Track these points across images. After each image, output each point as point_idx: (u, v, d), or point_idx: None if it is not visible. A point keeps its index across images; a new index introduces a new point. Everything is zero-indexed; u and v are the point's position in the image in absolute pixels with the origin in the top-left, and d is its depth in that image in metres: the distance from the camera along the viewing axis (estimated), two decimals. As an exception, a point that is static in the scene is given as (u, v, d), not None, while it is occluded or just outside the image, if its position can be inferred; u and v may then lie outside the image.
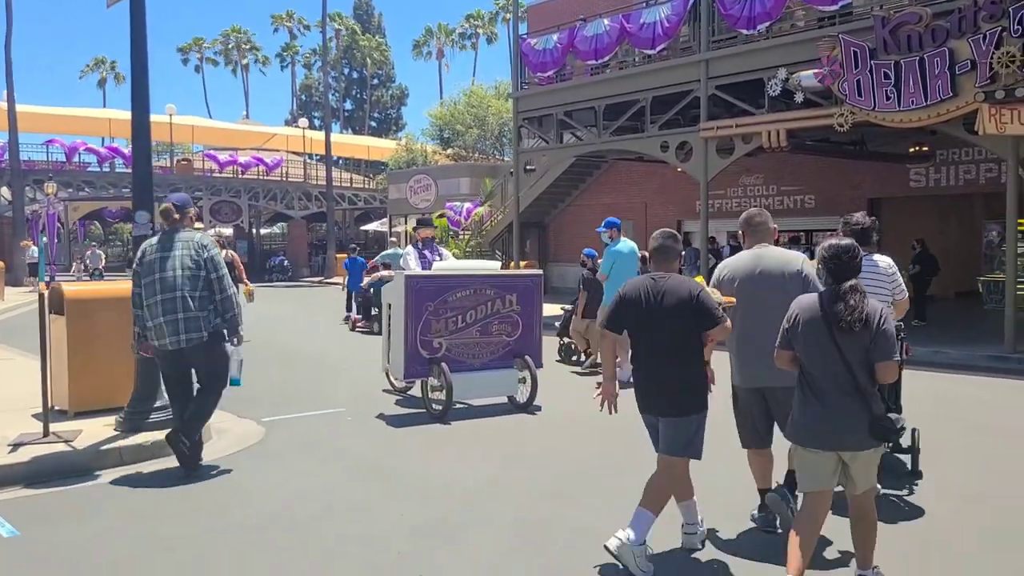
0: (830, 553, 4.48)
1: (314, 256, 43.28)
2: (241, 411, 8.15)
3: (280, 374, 10.60)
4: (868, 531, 3.96)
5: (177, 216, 6.17)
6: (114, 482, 5.78)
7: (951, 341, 12.99)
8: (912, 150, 17.29)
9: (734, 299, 4.71)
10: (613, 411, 4.62)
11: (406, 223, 32.61)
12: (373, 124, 72.40)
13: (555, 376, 10.38)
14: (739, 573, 4.32)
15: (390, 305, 8.16)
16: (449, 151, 41.18)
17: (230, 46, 73.28)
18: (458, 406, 8.29)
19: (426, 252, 9.01)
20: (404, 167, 38.80)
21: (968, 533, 4.87)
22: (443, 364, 7.78)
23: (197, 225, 6.84)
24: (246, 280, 12.78)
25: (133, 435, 6.53)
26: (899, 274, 5.60)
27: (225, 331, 6.12)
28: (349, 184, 44.72)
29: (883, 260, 5.56)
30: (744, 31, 14.66)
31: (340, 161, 53.40)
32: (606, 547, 4.25)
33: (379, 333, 15.73)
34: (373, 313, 15.07)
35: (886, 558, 4.09)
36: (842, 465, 3.87)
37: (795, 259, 4.84)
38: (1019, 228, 12.58)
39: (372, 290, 15.11)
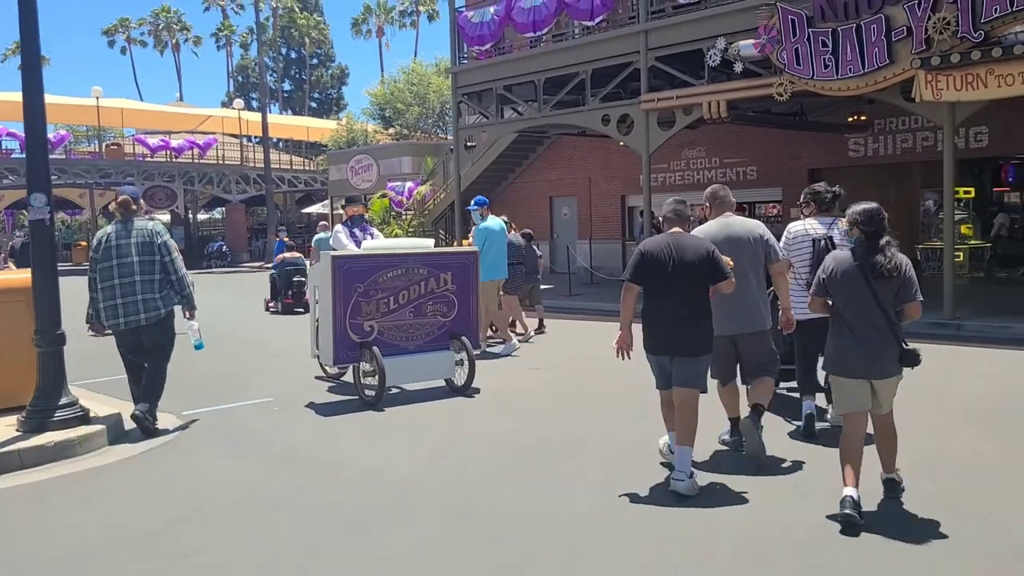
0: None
1: (254, 241, 42.25)
2: (162, 404, 7.69)
3: (207, 364, 10.04)
4: (891, 442, 4.81)
5: (134, 207, 6.87)
6: (12, 488, 5.31)
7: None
8: (850, 119, 17.31)
9: (732, 261, 5.22)
10: (627, 358, 5.21)
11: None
12: (313, 105, 70.88)
13: (498, 357, 10.10)
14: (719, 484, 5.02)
15: (316, 288, 7.74)
16: (391, 131, 40.40)
17: (159, 27, 70.78)
18: (393, 391, 7.96)
19: (355, 231, 8.61)
20: (345, 147, 37.96)
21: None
22: (375, 348, 7.41)
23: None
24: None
25: (36, 435, 6.04)
26: None
27: (182, 307, 6.87)
28: (289, 166, 43.65)
29: (822, 226, 6.28)
30: (683, 1, 14.43)
31: (280, 143, 52.20)
32: (673, 485, 4.88)
33: (280, 312, 15.82)
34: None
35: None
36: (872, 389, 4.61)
37: (757, 226, 5.75)
38: (956, 195, 12.64)
39: (276, 272, 16.31)
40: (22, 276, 6.71)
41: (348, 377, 8.32)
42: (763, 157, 19.22)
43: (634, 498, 4.85)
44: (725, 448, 5.78)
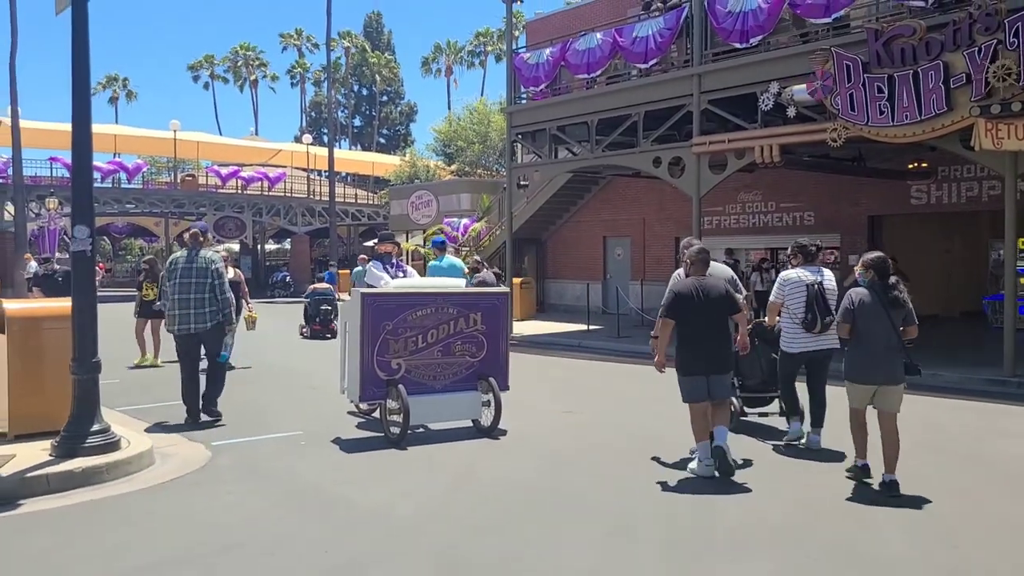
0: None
1: (317, 271, 43.06)
2: (195, 434, 7.89)
3: (248, 394, 10.31)
4: (894, 445, 6.04)
5: (201, 239, 8.68)
6: (31, 514, 5.47)
7: (949, 363, 12.55)
8: (911, 166, 16.87)
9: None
10: (663, 371, 6.68)
11: (407, 239, 32.41)
12: (382, 140, 72.49)
13: (529, 398, 10.04)
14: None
15: (346, 324, 7.85)
16: (453, 167, 41.01)
17: (239, 63, 73.57)
18: (420, 430, 7.98)
19: (387, 267, 8.71)
20: (407, 182, 38.65)
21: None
22: (400, 386, 7.45)
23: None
24: (249, 303, 12.16)
25: (66, 460, 6.23)
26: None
27: (222, 322, 8.48)
28: (354, 200, 44.62)
29: (811, 273, 7.46)
30: (737, 45, 14.36)
31: (348, 178, 53.48)
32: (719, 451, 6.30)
33: (309, 337, 16.70)
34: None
35: None
36: (875, 394, 6.12)
37: (727, 270, 7.42)
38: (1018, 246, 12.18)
39: (308, 301, 18.06)
40: (64, 304, 6.96)
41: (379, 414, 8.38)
42: (821, 203, 18.85)
43: (631, 558, 4.74)
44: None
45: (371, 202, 44.59)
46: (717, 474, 6.32)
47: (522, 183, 19.89)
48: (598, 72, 16.76)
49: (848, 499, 5.87)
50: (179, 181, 41.06)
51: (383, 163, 49.23)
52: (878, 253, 6.38)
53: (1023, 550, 4.88)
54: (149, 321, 12.88)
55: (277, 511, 5.57)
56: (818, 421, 7.41)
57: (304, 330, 18.16)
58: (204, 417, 8.45)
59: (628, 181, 22.20)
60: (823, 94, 12.66)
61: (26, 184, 32.26)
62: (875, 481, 6.15)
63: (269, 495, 5.95)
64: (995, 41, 10.82)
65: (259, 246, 45.72)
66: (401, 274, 8.76)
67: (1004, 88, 10.76)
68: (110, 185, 36.83)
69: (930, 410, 9.57)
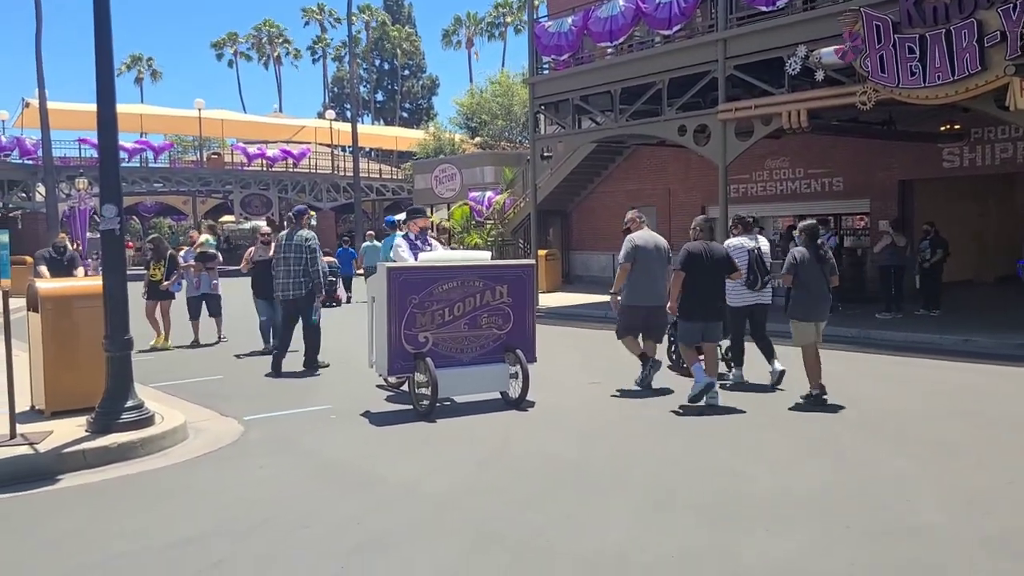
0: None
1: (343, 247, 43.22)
2: (226, 408, 7.98)
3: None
4: (815, 364, 7.85)
5: (295, 221, 10.18)
6: (68, 489, 5.58)
7: (983, 328, 12.38)
8: (943, 129, 16.50)
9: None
10: (675, 314, 8.13)
11: (431, 212, 32.42)
12: (404, 115, 72.31)
13: (557, 370, 10.05)
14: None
15: (374, 299, 7.87)
16: (476, 140, 40.85)
17: (263, 40, 73.60)
18: (448, 403, 8.02)
19: (418, 243, 8.70)
20: (432, 156, 38.58)
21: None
22: (428, 359, 7.47)
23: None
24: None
25: (102, 436, 6.34)
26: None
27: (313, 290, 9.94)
28: (378, 175, 44.67)
29: (752, 240, 8.97)
30: (763, 8, 14.07)
31: (372, 153, 53.47)
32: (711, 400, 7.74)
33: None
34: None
35: None
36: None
37: (662, 239, 9.05)
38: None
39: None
40: (96, 283, 7.04)
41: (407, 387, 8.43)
42: (850, 168, 18.53)
43: (660, 531, 4.74)
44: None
45: (395, 176, 44.61)
46: (706, 401, 7.77)
47: (546, 154, 19.72)
48: (621, 39, 16.51)
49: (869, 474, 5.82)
50: (205, 159, 41.32)
51: (406, 137, 49.17)
52: (811, 221, 8.43)
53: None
54: (159, 303, 12.58)
55: (309, 485, 5.63)
56: (770, 355, 8.88)
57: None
58: (304, 370, 10.06)
59: (653, 150, 21.97)
60: (852, 56, 12.39)
61: (56, 165, 32.66)
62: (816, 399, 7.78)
63: (301, 469, 6.01)
64: (1031, -3, 10.51)
65: (285, 222, 45.97)
66: (428, 248, 8.75)
67: (1041, 46, 10.46)
68: (138, 164, 37.17)
69: (966, 375, 9.46)
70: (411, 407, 7.75)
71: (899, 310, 14.20)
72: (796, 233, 8.33)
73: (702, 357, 8.10)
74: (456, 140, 42.24)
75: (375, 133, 52.43)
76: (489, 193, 25.80)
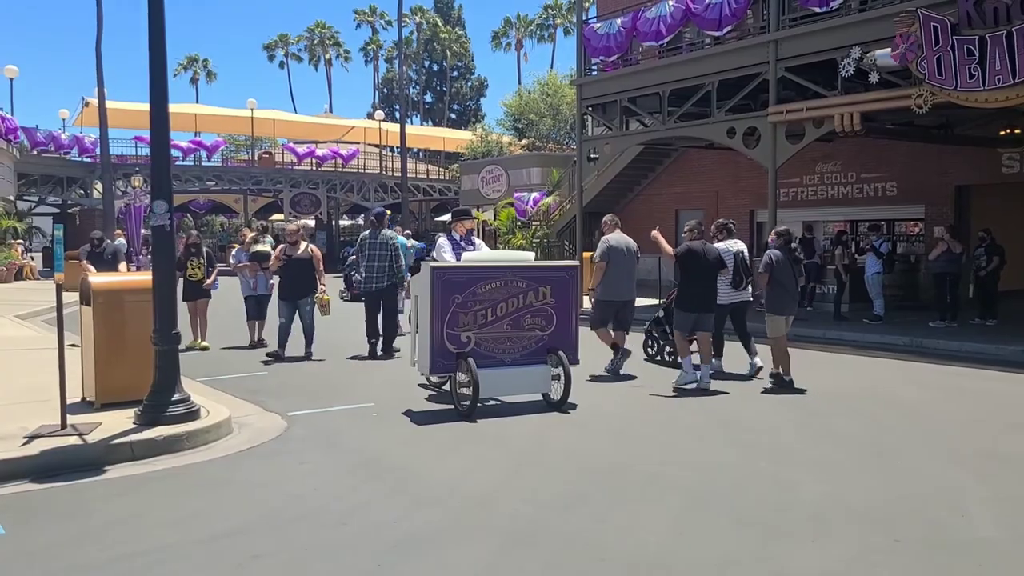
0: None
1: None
2: (270, 403, 8.08)
3: (324, 366, 10.54)
4: (785, 353, 8.94)
5: (377, 222, 11.41)
6: (115, 480, 5.68)
7: (1041, 340, 11.98)
8: (1002, 133, 16.02)
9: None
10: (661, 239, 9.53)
11: (478, 212, 32.52)
12: (453, 116, 72.67)
13: (599, 372, 9.99)
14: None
15: (418, 297, 7.89)
16: (524, 141, 40.85)
17: (314, 42, 74.56)
18: (490, 403, 8.01)
19: (462, 243, 8.72)
20: (479, 157, 38.68)
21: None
22: (470, 359, 7.47)
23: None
24: (323, 284, 11.38)
25: (149, 429, 6.46)
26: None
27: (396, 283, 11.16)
28: (426, 175, 44.93)
29: (736, 244, 9.94)
30: (817, 8, 13.82)
31: (420, 153, 53.83)
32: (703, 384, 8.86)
33: (349, 300, 16.70)
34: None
35: None
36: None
37: (632, 241, 10.04)
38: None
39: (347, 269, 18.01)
40: (146, 278, 7.18)
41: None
42: (905, 172, 18.12)
43: (699, 537, 4.67)
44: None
45: (442, 177, 44.82)
46: (695, 386, 8.79)
47: (592, 156, 19.66)
48: (667, 39, 16.34)
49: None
50: (257, 159, 42.00)
51: (453, 138, 49.36)
52: (784, 227, 9.47)
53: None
54: (196, 302, 12.09)
55: (350, 481, 5.66)
56: (750, 349, 9.83)
57: (344, 294, 19.64)
58: (379, 354, 11.17)
59: (701, 153, 21.74)
60: (909, 58, 12.10)
61: (113, 163, 33.46)
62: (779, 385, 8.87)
63: (342, 465, 6.05)
64: (1098, -3, 10.16)
65: (334, 221, 46.51)
66: (471, 248, 8.76)
67: (1108, 47, 10.11)
68: (191, 163, 37.92)
69: (1019, 387, 9.17)
70: (452, 407, 7.76)
71: (954, 319, 13.82)
72: (772, 237, 9.27)
73: (694, 350, 9.12)
74: (504, 142, 42.28)
75: (423, 134, 52.76)
76: (535, 194, 25.77)
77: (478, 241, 9.09)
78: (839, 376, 10.04)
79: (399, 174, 39.20)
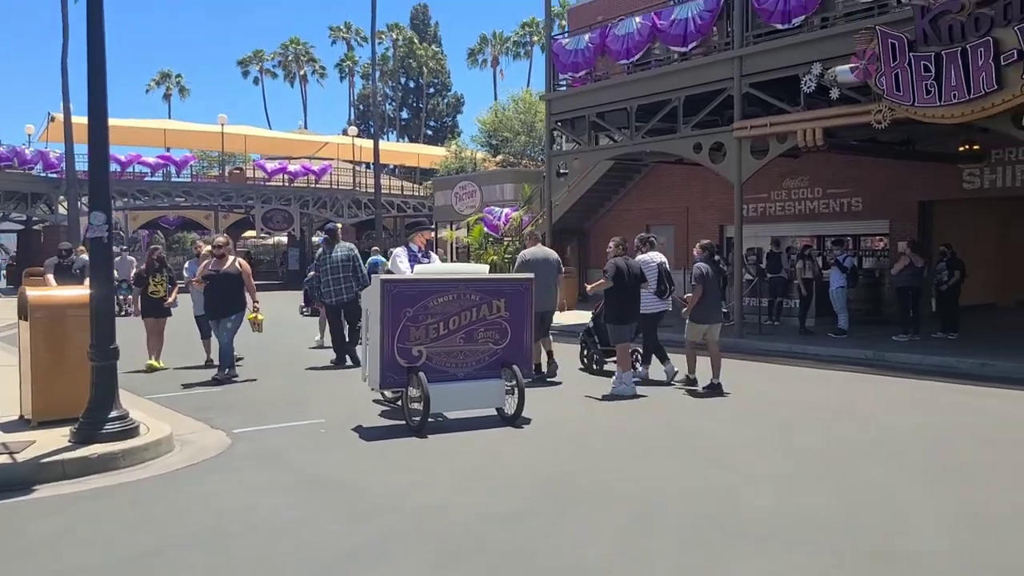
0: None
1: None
2: (217, 420, 7.89)
3: (277, 381, 10.36)
4: (718, 358, 9.48)
5: (332, 236, 11.76)
6: (43, 500, 5.48)
7: (1002, 352, 12.05)
8: (962, 149, 16.19)
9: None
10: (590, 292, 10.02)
11: (450, 229, 32.42)
12: (429, 132, 72.69)
13: (559, 387, 9.89)
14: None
15: (368, 311, 7.76)
16: (499, 158, 40.87)
17: (289, 58, 74.41)
18: (442, 418, 7.88)
19: (419, 255, 8.62)
20: (453, 174, 38.62)
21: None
22: (421, 374, 7.34)
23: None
24: (256, 300, 10.56)
25: (84, 447, 6.25)
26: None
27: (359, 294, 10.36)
28: (400, 192, 44.80)
29: (658, 256, 10.50)
30: (779, 25, 13.94)
31: (396, 170, 53.70)
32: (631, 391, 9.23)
33: (309, 315, 16.48)
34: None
35: None
36: (707, 331, 9.58)
37: (553, 252, 10.76)
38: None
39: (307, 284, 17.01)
40: (87, 292, 6.99)
41: (403, 402, 8.29)
42: (870, 188, 18.25)
43: (642, 550, 4.56)
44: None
45: (416, 194, 44.72)
46: (635, 393, 9.18)
47: (562, 171, 19.64)
48: (637, 56, 16.42)
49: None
50: (227, 174, 41.68)
51: (428, 154, 49.32)
52: (708, 240, 10.13)
53: None
54: (157, 320, 11.51)
55: (288, 498, 5.50)
56: (663, 356, 10.35)
57: (304, 309, 19.43)
58: (348, 362, 11.26)
59: (670, 168, 21.79)
60: (867, 74, 12.20)
61: (80, 179, 33.03)
62: (701, 385, 9.54)
63: (282, 482, 5.89)
64: (1050, 14, 10.29)
65: (307, 238, 46.21)
66: (426, 261, 8.66)
67: (1060, 64, 10.23)
68: (160, 179, 37.54)
69: (981, 399, 9.17)
70: (404, 423, 7.61)
71: (916, 332, 13.88)
72: (698, 250, 9.80)
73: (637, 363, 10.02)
74: (478, 158, 42.28)
75: (397, 150, 52.70)
76: (506, 209, 25.71)
77: (433, 255, 8.99)
78: (798, 389, 10.02)
79: (373, 190, 39.06)
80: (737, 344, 14.16)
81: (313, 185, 40.81)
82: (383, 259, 12.55)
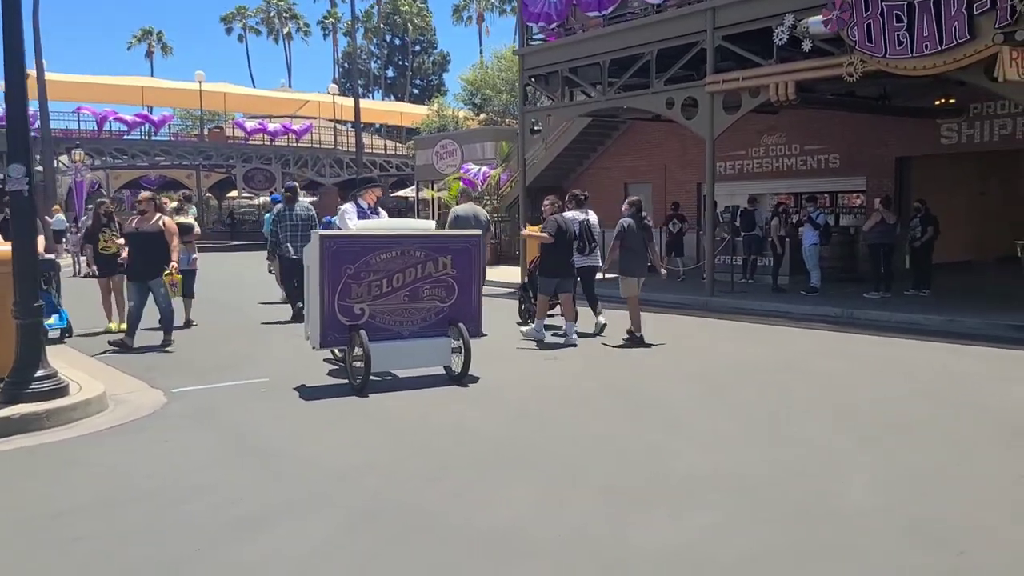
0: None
1: (346, 223, 42.92)
2: (160, 380, 7.73)
3: (231, 339, 10.22)
4: (637, 311, 9.89)
5: (293, 195, 12.18)
6: (-44, 460, 5.34)
7: (972, 309, 11.94)
8: (938, 103, 15.93)
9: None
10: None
11: (431, 188, 32.05)
12: (415, 91, 71.69)
13: (519, 345, 9.75)
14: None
15: (309, 268, 7.56)
16: (481, 116, 40.35)
17: (271, 15, 73.09)
18: (390, 377, 7.74)
19: (368, 212, 8.40)
20: (435, 132, 38.13)
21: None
22: (362, 332, 7.16)
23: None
24: (175, 261, 9.71)
25: (8, 407, 6.08)
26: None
27: None
28: (383, 151, 44.30)
29: (582, 214, 10.70)
30: (752, -25, 13.56)
31: (383, 129, 53.07)
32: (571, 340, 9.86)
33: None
34: None
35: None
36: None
37: (482, 211, 11.76)
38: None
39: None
40: (5, 248, 6.77)
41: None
42: (847, 144, 18.00)
43: (558, 510, 4.44)
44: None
45: (399, 153, 44.24)
46: (545, 339, 9.83)
47: (535, 128, 19.32)
48: (610, 9, 16.03)
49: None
50: (207, 133, 41.09)
51: (411, 113, 48.71)
52: (637, 197, 10.48)
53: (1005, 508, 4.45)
54: (111, 280, 10.98)
55: (208, 459, 5.36)
56: (596, 309, 10.72)
57: (271, 267, 17.94)
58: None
59: (648, 126, 21.49)
60: (839, 25, 11.90)
61: (56, 137, 32.52)
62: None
63: (207, 443, 5.74)
64: (1023, -39, 10.00)
65: (282, 198, 45.73)
66: (375, 216, 8.44)
67: (1032, 13, 9.96)
68: (138, 137, 36.96)
69: (940, 355, 9.07)
70: (349, 382, 7.46)
71: (888, 289, 13.77)
72: (625, 206, 10.08)
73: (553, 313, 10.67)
74: (460, 116, 41.74)
75: (379, 109, 52.02)
76: (484, 168, 25.41)
77: (382, 211, 8.76)
78: (761, 347, 9.90)
79: (355, 149, 38.60)
80: (709, 303, 14.06)
81: (294, 144, 40.28)
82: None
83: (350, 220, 8.20)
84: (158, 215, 9.84)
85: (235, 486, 4.81)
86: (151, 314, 9.86)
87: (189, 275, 11.62)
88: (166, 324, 9.79)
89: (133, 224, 9.83)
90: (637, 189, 23.19)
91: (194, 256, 11.92)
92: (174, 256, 9.67)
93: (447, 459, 5.32)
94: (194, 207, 13.57)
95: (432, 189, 32.06)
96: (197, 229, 12.55)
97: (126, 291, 10.08)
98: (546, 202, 10.33)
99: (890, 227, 13.90)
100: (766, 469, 5.06)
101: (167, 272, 9.55)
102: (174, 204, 12.99)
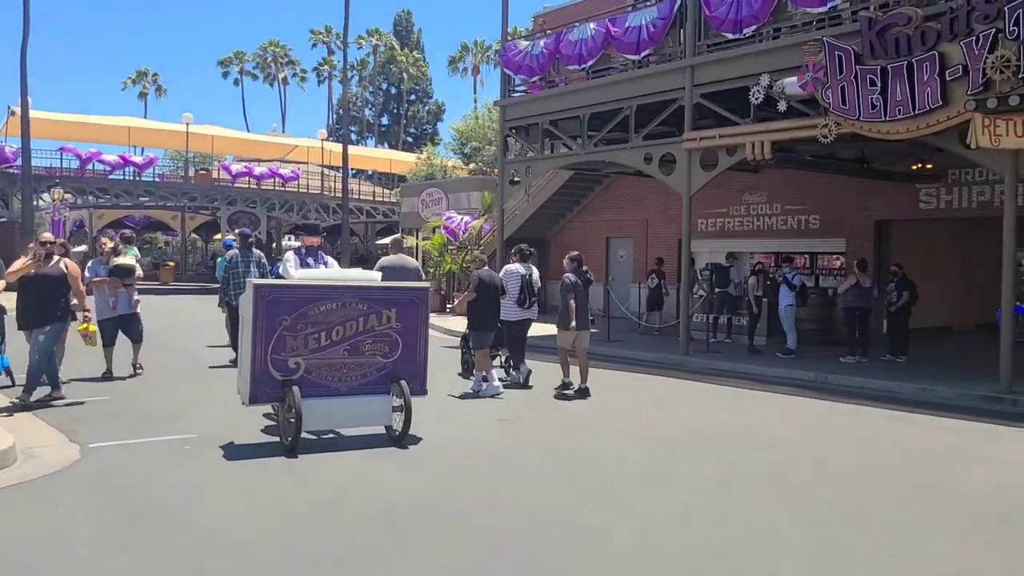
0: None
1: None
2: (82, 433, 7.28)
3: (177, 389, 9.78)
4: (585, 366, 10.28)
5: (250, 241, 11.97)
6: None
7: (948, 377, 11.62)
8: (915, 168, 15.82)
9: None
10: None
11: (416, 236, 31.85)
12: (408, 139, 72.10)
13: (471, 403, 9.36)
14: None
15: (243, 318, 7.19)
16: (470, 166, 40.38)
17: (268, 60, 73.73)
18: (335, 435, 7.34)
19: (309, 260, 8.08)
20: (424, 180, 38.07)
21: None
22: (295, 388, 6.77)
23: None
24: (87, 309, 8.98)
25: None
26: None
27: None
28: (370, 197, 44.21)
29: (523, 268, 10.88)
30: (729, 35, 13.52)
31: (374, 175, 53.12)
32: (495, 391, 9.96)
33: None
34: None
35: None
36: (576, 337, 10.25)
37: (412, 261, 11.16)
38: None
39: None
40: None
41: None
42: (827, 206, 17.86)
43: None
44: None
45: (386, 200, 44.15)
46: (502, 393, 9.91)
47: (514, 180, 19.16)
48: (590, 63, 15.98)
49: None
50: (193, 175, 40.96)
51: (400, 160, 48.79)
52: (577, 252, 10.88)
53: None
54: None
55: (93, 529, 4.90)
56: (519, 365, 10.91)
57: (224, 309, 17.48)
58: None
59: (631, 180, 21.35)
60: (814, 87, 11.79)
61: (38, 175, 32.26)
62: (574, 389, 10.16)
63: (100, 508, 5.29)
64: (994, 30, 9.91)
65: (274, 243, 45.51)
66: (322, 266, 8.12)
67: (1002, 81, 9.85)
68: (121, 177, 36.73)
69: (908, 428, 8.70)
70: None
71: (864, 354, 13.45)
72: (567, 261, 10.54)
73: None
74: (448, 166, 41.77)
75: (368, 155, 52.11)
76: (466, 217, 25.21)
77: (330, 259, 8.44)
78: (722, 411, 9.51)
79: (341, 195, 38.46)
80: (683, 362, 13.70)
81: (280, 188, 40.13)
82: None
83: (292, 268, 7.87)
84: (57, 257, 8.80)
85: (106, 564, 4.35)
86: (116, 359, 9.66)
87: (132, 319, 11.02)
88: (29, 379, 8.46)
89: (31, 267, 8.68)
90: (619, 244, 23.06)
91: (136, 299, 11.19)
92: (81, 302, 8.79)
93: (362, 532, 4.91)
94: (135, 248, 12.96)
95: (416, 237, 31.88)
96: (139, 271, 11.47)
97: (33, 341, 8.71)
98: (473, 258, 11.00)
99: (865, 290, 13.64)
100: (698, 552, 4.66)
101: (80, 323, 8.77)
102: (111, 244, 11.63)
